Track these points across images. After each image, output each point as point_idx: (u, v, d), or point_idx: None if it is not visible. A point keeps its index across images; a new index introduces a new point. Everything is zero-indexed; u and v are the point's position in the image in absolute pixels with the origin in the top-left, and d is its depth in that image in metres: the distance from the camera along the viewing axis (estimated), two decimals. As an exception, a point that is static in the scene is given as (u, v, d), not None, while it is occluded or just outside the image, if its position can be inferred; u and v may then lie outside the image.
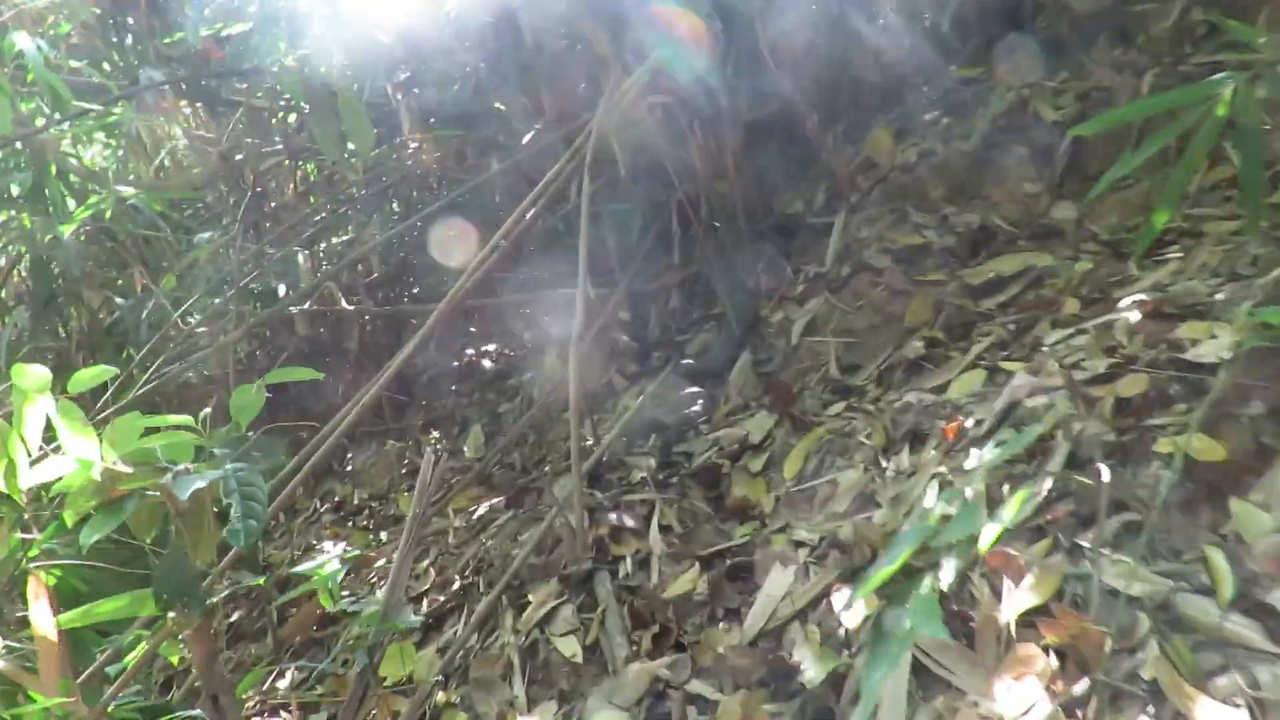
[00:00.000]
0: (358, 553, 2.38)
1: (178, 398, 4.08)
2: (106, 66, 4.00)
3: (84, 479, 1.48)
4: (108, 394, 3.08)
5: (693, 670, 1.73)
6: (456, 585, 2.42)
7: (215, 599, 2.65)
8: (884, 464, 2.01)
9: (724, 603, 1.87)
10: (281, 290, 3.85)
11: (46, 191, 3.49)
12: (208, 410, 1.53)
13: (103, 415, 3.08)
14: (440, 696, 2.00)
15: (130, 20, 4.00)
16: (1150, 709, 1.28)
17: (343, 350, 4.09)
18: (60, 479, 1.50)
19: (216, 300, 3.35)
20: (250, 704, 2.36)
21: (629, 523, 2.17)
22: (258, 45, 3.78)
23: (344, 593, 2.68)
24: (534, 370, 3.67)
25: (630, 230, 3.30)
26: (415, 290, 4.55)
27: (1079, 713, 1.32)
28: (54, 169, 3.56)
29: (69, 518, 1.55)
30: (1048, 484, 1.63)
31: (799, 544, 1.92)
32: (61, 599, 2.21)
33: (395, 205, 4.26)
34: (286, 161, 3.98)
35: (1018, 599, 1.49)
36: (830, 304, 2.78)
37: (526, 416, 3.20)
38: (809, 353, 2.71)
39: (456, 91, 3.52)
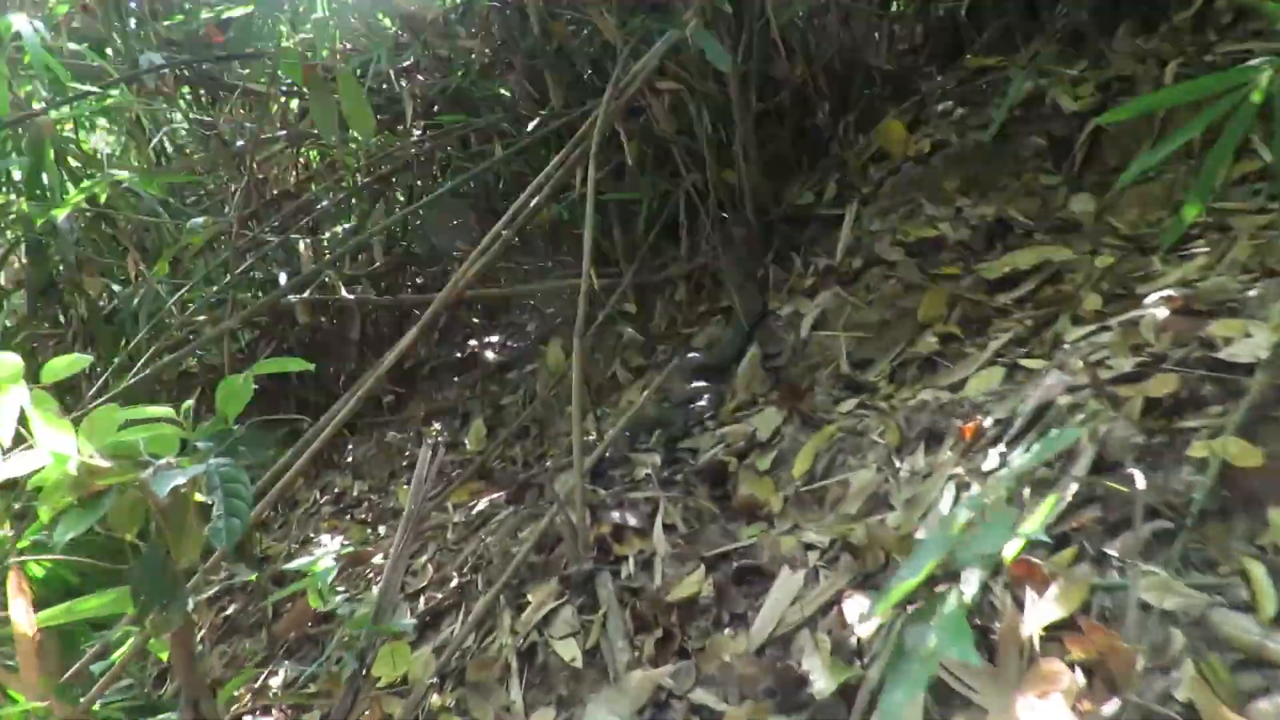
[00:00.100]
0: (352, 549, 2.29)
1: (178, 386, 4.00)
2: (109, 51, 3.91)
3: (59, 473, 1.39)
4: (103, 382, 3.00)
5: (697, 679, 1.64)
6: (454, 583, 2.33)
7: (201, 596, 2.57)
8: (898, 464, 1.91)
9: (730, 607, 1.78)
10: (282, 279, 3.76)
11: (45, 177, 3.41)
12: (191, 402, 1.44)
13: (97, 404, 3.00)
14: (435, 699, 1.92)
15: (132, 3, 3.91)
16: (1186, 733, 1.19)
17: (345, 340, 4.00)
18: (36, 473, 1.41)
19: (214, 288, 3.26)
20: (242, 702, 2.27)
21: (632, 522, 2.08)
22: (259, 29, 3.70)
23: (339, 589, 2.60)
24: (537, 362, 3.58)
25: (636, 220, 3.21)
26: (419, 280, 4.47)
27: (1109, 735, 1.23)
28: (52, 153, 3.47)
29: (45, 513, 1.46)
30: (1073, 488, 1.54)
31: (809, 546, 1.82)
32: (52, 592, 2.13)
33: (399, 194, 4.17)
34: (288, 149, 3.89)
35: (1042, 611, 1.39)
36: (841, 298, 2.68)
37: (528, 410, 3.11)
38: (819, 348, 2.61)
39: (461, 77, 3.42)
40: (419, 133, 3.74)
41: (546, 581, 2.05)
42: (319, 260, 3.58)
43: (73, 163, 3.84)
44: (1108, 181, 2.62)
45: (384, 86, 3.61)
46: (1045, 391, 1.56)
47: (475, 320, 4.27)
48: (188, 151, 4.21)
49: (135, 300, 3.33)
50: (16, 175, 3.71)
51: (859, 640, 1.57)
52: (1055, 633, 1.37)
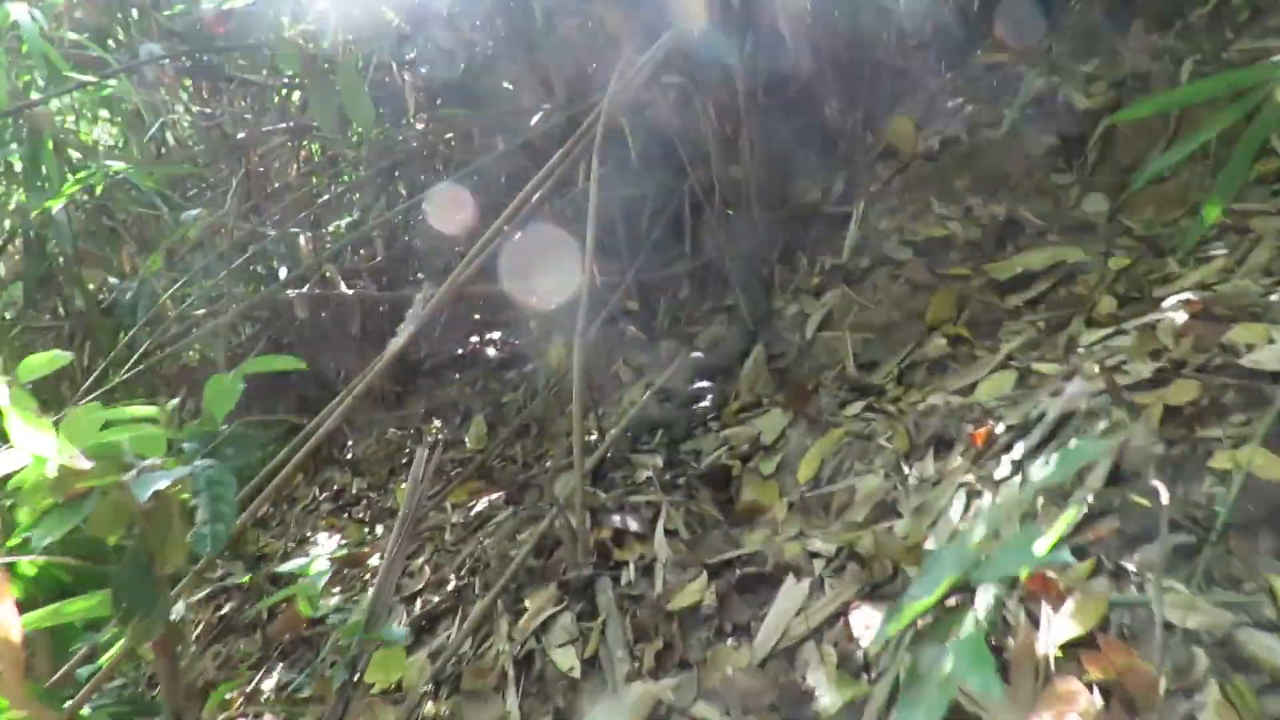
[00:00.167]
0: (346, 551, 2.23)
1: (178, 380, 3.95)
2: (112, 42, 3.85)
3: (38, 475, 1.33)
4: (97, 375, 2.95)
5: (698, 692, 1.58)
6: (451, 585, 2.28)
7: (194, 597, 2.51)
8: (906, 470, 1.85)
9: (733, 617, 1.71)
10: (282, 272, 3.70)
11: (44, 168, 3.35)
12: (176, 401, 1.38)
13: (92, 398, 2.95)
14: (429, 707, 1.86)
15: (134, -7, 3.85)
16: (1211, 759, 1.13)
17: (345, 335, 3.94)
18: (14, 473, 1.36)
19: (209, 282, 3.20)
20: (235, 706, 2.22)
21: (633, 526, 2.02)
22: (261, 20, 3.63)
23: (334, 590, 2.55)
24: (538, 359, 3.52)
25: (640, 216, 3.15)
26: (420, 274, 4.40)
27: (1129, 760, 1.17)
28: (50, 143, 3.41)
29: (26, 516, 1.41)
30: (1089, 498, 1.47)
31: (814, 554, 1.76)
32: (42, 592, 2.07)
33: (401, 187, 4.11)
34: (290, 142, 3.83)
35: (1059, 627, 1.33)
36: (848, 297, 2.61)
37: (529, 408, 3.05)
38: (825, 348, 2.55)
39: (463, 69, 3.35)
40: (421, 126, 3.68)
41: (545, 587, 1.99)
42: (319, 254, 3.51)
43: (74, 154, 3.79)
44: (1121, 181, 2.56)
45: (386, 80, 3.55)
46: (1067, 401, 1.49)
47: (477, 316, 4.20)
48: (190, 143, 4.15)
49: (128, 294, 3.27)
50: (18, 167, 3.66)
51: (866, 654, 1.51)
52: (1072, 650, 1.31)
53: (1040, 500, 1.55)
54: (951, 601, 1.06)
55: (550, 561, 2.08)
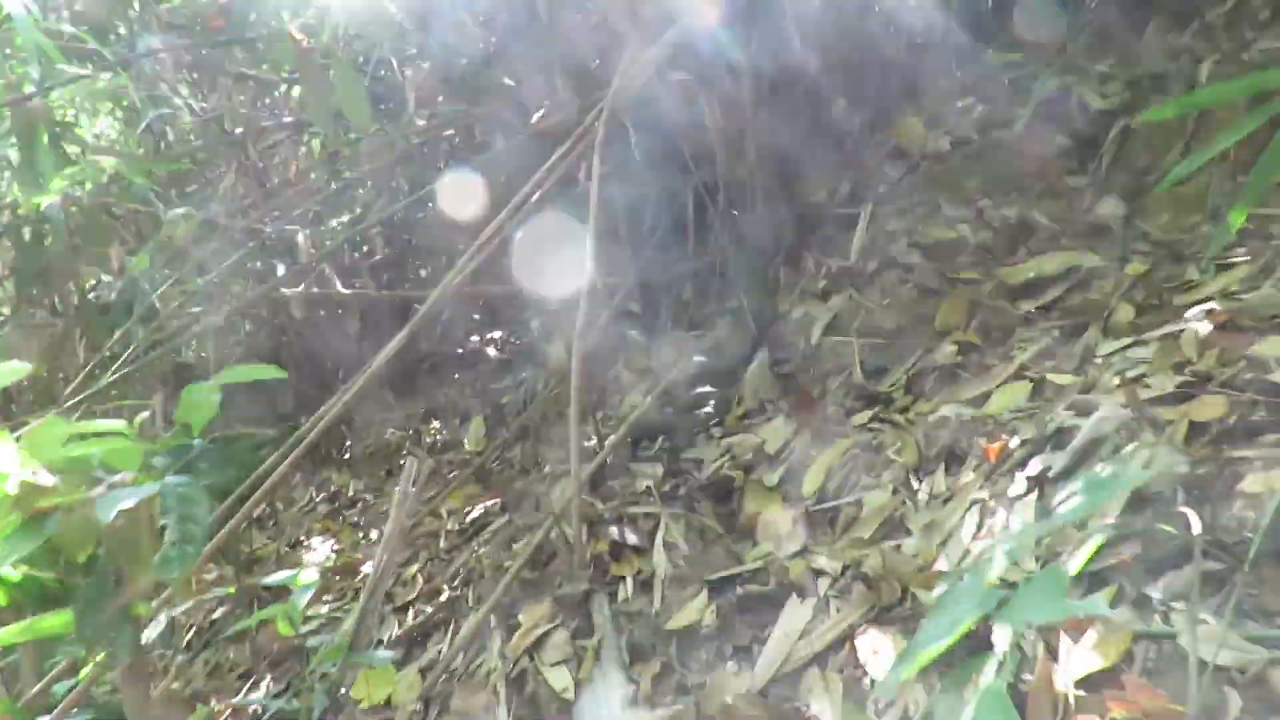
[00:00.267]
0: (342, 555, 2.15)
1: (175, 379, 3.87)
2: (113, 36, 3.76)
3: None
4: (85, 373, 2.86)
5: None
6: (445, 596, 2.19)
7: (176, 611, 2.43)
8: (915, 485, 1.76)
9: (733, 638, 1.62)
10: (280, 270, 3.62)
11: (39, 161, 3.26)
12: (147, 414, 1.30)
13: (84, 396, 2.87)
14: (418, 726, 1.78)
15: (135, -15, 3.76)
16: (1245, 811, 1.04)
17: (343, 333, 3.86)
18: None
19: (200, 280, 3.11)
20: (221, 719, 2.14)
21: (631, 539, 1.93)
22: (260, 13, 3.54)
23: (326, 598, 2.47)
24: (539, 361, 3.43)
25: (642, 216, 3.05)
26: (423, 272, 4.32)
27: (1156, 809, 1.08)
28: (45, 137, 3.33)
29: (-10, 532, 1.32)
30: (1110, 523, 1.38)
31: (819, 573, 1.67)
32: (29, 600, 1.99)
33: (402, 184, 4.01)
34: (289, 137, 3.74)
35: (1079, 661, 1.24)
36: (855, 301, 2.52)
37: (528, 412, 2.97)
38: (831, 353, 2.45)
39: (465, 65, 3.26)
40: (423, 122, 3.58)
41: (539, 601, 1.91)
42: (318, 252, 3.43)
43: (72, 149, 3.70)
44: (1137, 183, 2.46)
45: (384, 73, 3.46)
46: (1095, 426, 1.40)
47: (476, 316, 4.12)
48: (190, 138, 4.06)
49: (114, 293, 3.19)
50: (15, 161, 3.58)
51: (873, 682, 1.42)
52: (1093, 686, 1.22)
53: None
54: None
55: (546, 574, 1.99)
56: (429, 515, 2.64)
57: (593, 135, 2.55)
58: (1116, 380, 1.66)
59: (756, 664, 1.55)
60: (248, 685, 2.28)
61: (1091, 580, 1.35)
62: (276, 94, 3.70)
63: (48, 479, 1.24)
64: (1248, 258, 1.94)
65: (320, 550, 2.83)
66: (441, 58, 3.42)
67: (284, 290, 3.09)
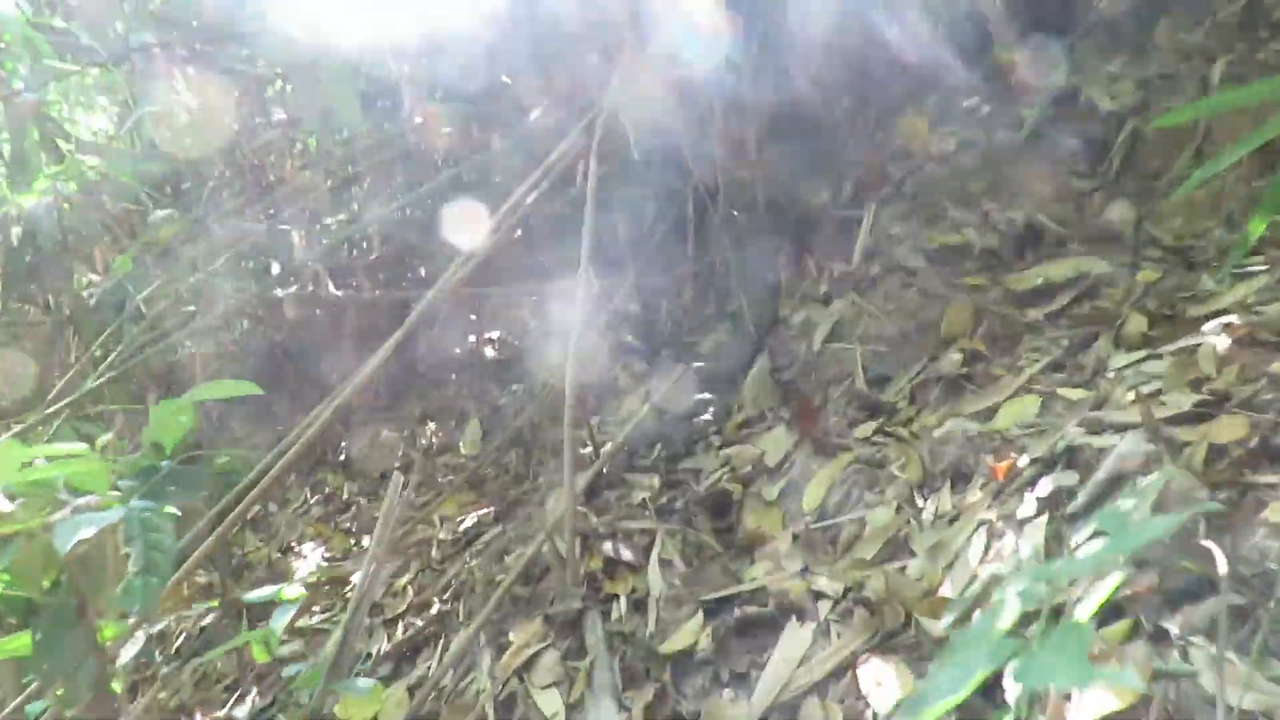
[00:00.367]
0: (329, 565, 2.07)
1: (169, 378, 3.80)
2: (112, 32, 3.68)
3: (-43, 516, 1.18)
4: (69, 376, 2.79)
5: (691, 751, 1.42)
6: (435, 609, 2.12)
7: (156, 627, 2.36)
8: (920, 503, 1.68)
9: (730, 663, 1.55)
10: (275, 269, 3.54)
11: (29, 158, 3.19)
12: (109, 436, 1.22)
13: (71, 400, 2.80)
14: (405, 749, 1.70)
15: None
16: None
17: (339, 333, 3.77)
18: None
19: (193, 279, 3.04)
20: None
21: (626, 555, 1.86)
22: (255, 8, 3.45)
23: (315, 608, 2.40)
24: (537, 363, 3.35)
25: (642, 218, 2.97)
26: (421, 271, 4.23)
27: None
28: (35, 133, 3.25)
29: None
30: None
31: (819, 595, 1.60)
32: (14, 613, 1.92)
33: (401, 181, 3.93)
34: (284, 134, 3.65)
35: (1093, 699, 1.16)
36: (857, 307, 2.44)
37: (524, 415, 2.89)
38: (833, 360, 2.38)
39: (462, 63, 3.17)
40: (419, 120, 3.50)
41: (530, 620, 1.83)
42: (313, 251, 3.35)
43: (64, 146, 3.62)
44: (1147, 187, 2.38)
45: (381, 73, 3.37)
46: (1118, 461, 1.32)
47: (474, 316, 4.04)
48: (185, 136, 3.98)
49: (103, 293, 3.12)
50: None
51: (875, 715, 1.35)
52: (1109, 728, 1.14)
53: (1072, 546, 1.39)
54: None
55: (538, 589, 1.92)
56: (421, 523, 2.56)
57: (590, 136, 2.47)
58: (1130, 397, 1.58)
59: (754, 692, 1.48)
60: (233, 699, 2.21)
61: (1106, 612, 1.27)
62: (272, 91, 3.61)
63: (4, 504, 1.17)
64: (1265, 267, 1.86)
65: (311, 558, 2.76)
66: (438, 55, 3.33)
67: (277, 292, 3.00)
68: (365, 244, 3.95)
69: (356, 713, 1.81)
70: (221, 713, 2.12)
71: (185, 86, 3.71)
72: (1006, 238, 2.39)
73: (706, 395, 2.47)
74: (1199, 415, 1.45)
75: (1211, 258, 2.02)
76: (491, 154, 3.11)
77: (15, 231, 3.10)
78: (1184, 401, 1.49)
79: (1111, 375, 1.72)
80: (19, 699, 1.74)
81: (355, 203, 4.01)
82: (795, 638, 1.53)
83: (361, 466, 3.51)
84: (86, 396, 2.93)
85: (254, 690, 2.19)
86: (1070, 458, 1.53)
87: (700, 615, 1.66)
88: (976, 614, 1.31)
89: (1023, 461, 1.58)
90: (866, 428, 1.99)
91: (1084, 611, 1.08)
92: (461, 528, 2.45)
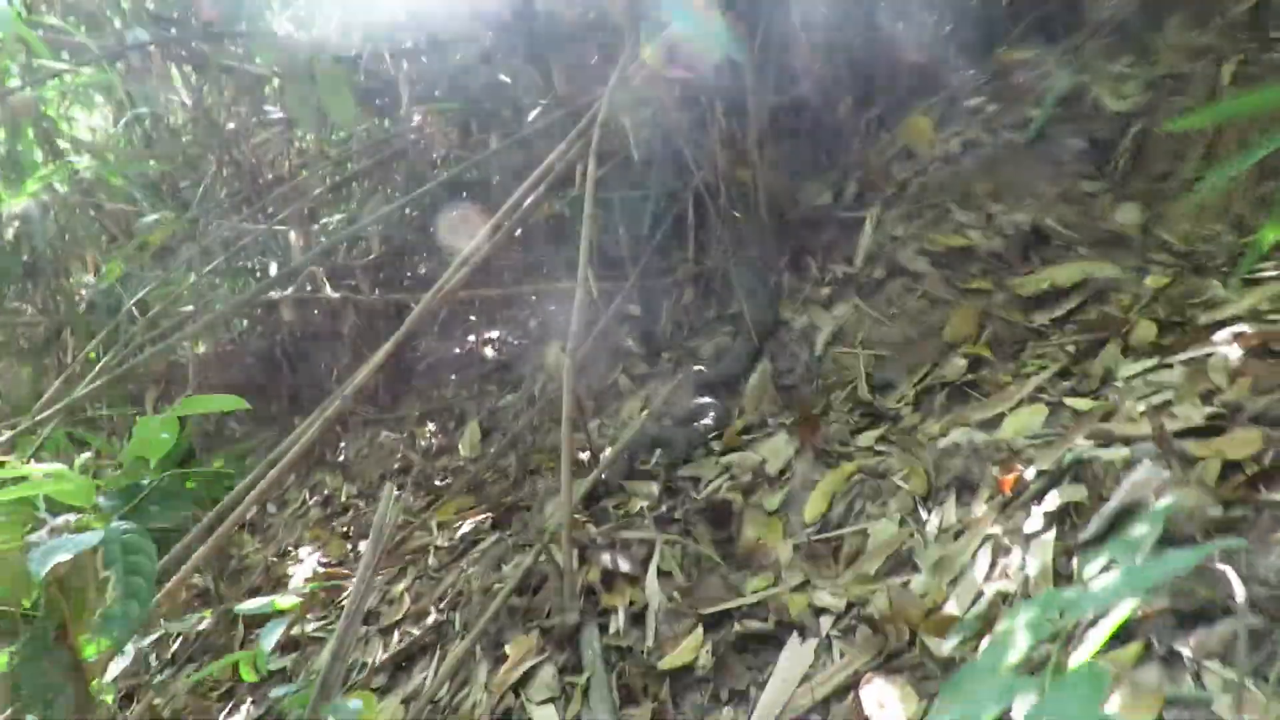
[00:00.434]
0: (313, 589, 2.03)
1: (167, 377, 3.77)
2: (109, 30, 3.64)
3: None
4: (63, 379, 2.75)
5: (690, 773, 1.38)
6: (431, 618, 2.08)
7: (147, 640, 2.32)
8: (924, 516, 1.64)
9: (730, 681, 1.51)
10: (273, 268, 3.50)
11: (23, 158, 3.15)
12: (88, 455, 1.18)
13: (63, 404, 2.76)
14: (399, 764, 1.67)
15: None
16: None
17: (337, 332, 3.74)
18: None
19: (188, 282, 3.00)
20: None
21: (624, 567, 1.81)
22: (251, 5, 3.41)
23: (310, 616, 2.36)
24: (535, 364, 3.31)
25: (641, 219, 2.92)
26: (421, 270, 4.19)
27: None
28: (30, 132, 3.21)
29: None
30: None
31: (821, 610, 1.56)
32: None
33: (398, 179, 3.88)
34: (283, 132, 3.61)
35: (1104, 728, 1.12)
36: (860, 311, 2.40)
37: (523, 420, 2.85)
38: (835, 365, 2.33)
39: (460, 61, 3.13)
40: (418, 118, 3.46)
41: (527, 632, 1.79)
42: (309, 251, 3.30)
43: (61, 144, 3.58)
44: (1155, 189, 2.33)
45: (379, 70, 3.32)
46: (1131, 489, 1.27)
47: (473, 317, 4.00)
48: (182, 134, 3.94)
49: (97, 294, 3.08)
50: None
51: (879, 738, 1.31)
52: (1120, 757, 1.10)
53: (1076, 560, 1.35)
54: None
55: (535, 600, 1.88)
56: (419, 529, 2.52)
57: (588, 136, 2.42)
58: (1140, 408, 1.54)
59: (754, 711, 1.44)
60: (228, 707, 2.17)
61: (1116, 634, 1.23)
62: (269, 89, 3.57)
63: (-17, 524, 1.13)
64: (1277, 274, 1.81)
65: (308, 562, 2.72)
66: (435, 52, 3.29)
67: (274, 294, 2.96)
68: (364, 243, 3.91)
69: (352, 725, 1.77)
70: (216, 722, 2.08)
71: (182, 84, 3.67)
72: (1011, 241, 2.34)
73: (707, 400, 2.43)
74: (1211, 429, 1.41)
75: (1221, 263, 1.97)
76: (490, 154, 3.06)
77: (9, 233, 3.06)
78: (1195, 414, 1.44)
79: (1120, 385, 1.68)
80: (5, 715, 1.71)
81: (354, 201, 3.97)
82: (796, 655, 1.49)
83: (360, 468, 3.47)
84: (82, 399, 2.89)
85: (249, 699, 2.16)
86: (1078, 471, 1.49)
87: (700, 630, 1.62)
88: (985, 641, 1.27)
89: (1029, 474, 1.54)
90: (869, 436, 1.95)
91: (1096, 638, 1.04)
92: (459, 534, 2.41)
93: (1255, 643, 1.15)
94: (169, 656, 2.70)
